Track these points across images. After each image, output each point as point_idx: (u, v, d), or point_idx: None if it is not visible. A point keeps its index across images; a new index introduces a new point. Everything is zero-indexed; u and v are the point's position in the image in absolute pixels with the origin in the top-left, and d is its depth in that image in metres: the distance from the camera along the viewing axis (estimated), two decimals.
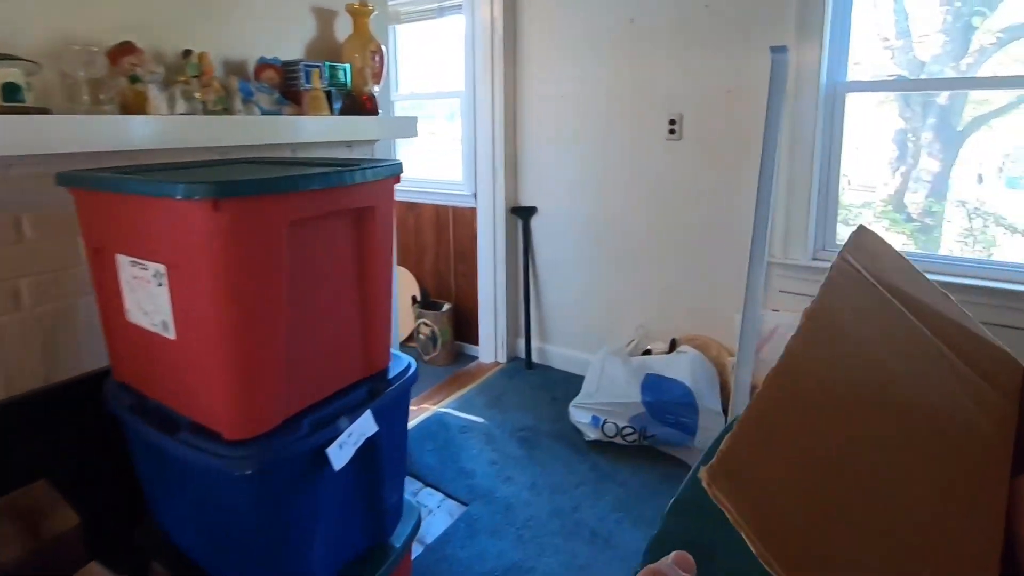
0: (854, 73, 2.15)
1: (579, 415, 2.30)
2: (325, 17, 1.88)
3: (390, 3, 3.21)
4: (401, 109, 3.49)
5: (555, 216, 2.89)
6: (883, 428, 0.56)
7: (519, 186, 2.98)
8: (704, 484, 0.38)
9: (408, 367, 1.37)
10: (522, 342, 3.05)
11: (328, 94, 1.74)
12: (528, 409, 2.57)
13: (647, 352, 2.49)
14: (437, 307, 3.26)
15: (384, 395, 1.24)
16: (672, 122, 2.45)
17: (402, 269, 3.52)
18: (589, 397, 2.32)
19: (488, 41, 2.81)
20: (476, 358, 3.20)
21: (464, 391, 2.77)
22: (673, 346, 2.45)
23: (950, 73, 2.08)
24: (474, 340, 3.22)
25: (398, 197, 3.56)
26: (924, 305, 0.77)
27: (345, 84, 1.83)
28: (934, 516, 0.52)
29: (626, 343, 2.56)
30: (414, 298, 3.35)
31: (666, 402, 2.13)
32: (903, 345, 0.69)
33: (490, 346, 3.13)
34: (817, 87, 2.12)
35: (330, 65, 1.77)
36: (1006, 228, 2.14)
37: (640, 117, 2.53)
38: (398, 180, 1.24)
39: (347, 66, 1.83)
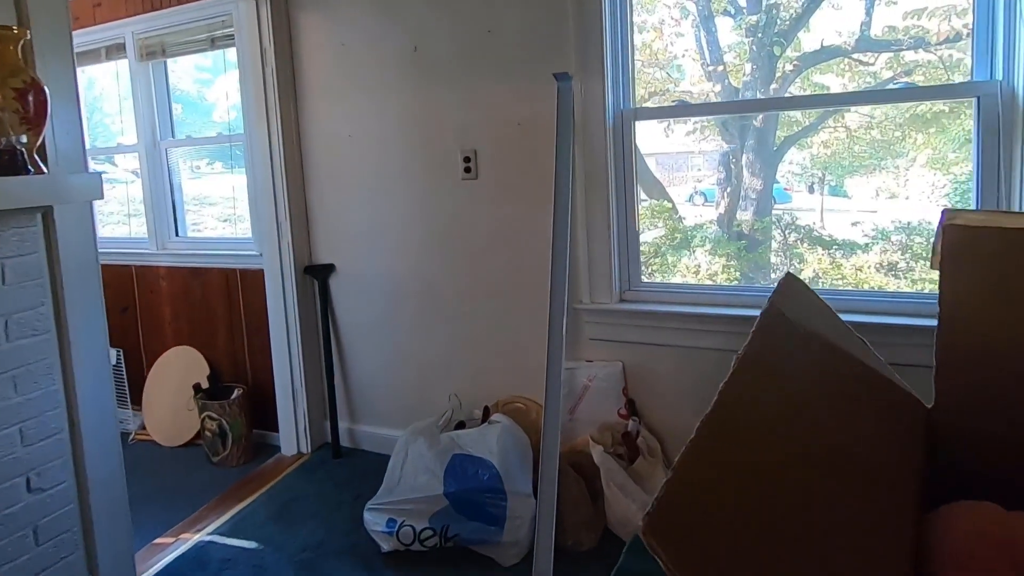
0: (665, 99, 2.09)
1: (374, 520, 1.88)
2: None
3: (150, 33, 2.75)
4: (179, 155, 2.97)
5: (355, 274, 2.52)
6: (809, 475, 0.62)
7: (313, 241, 2.58)
8: (640, 533, 0.43)
9: None
10: (330, 425, 2.60)
11: None
12: (321, 518, 2.11)
13: (460, 425, 2.16)
14: (225, 395, 2.71)
15: None
16: (467, 159, 2.21)
17: (189, 350, 2.94)
18: (388, 494, 1.92)
19: (259, 74, 2.43)
20: (281, 449, 2.68)
21: (244, 504, 2.24)
22: (486, 415, 2.14)
23: (761, 97, 2.12)
24: (277, 428, 2.71)
25: (181, 262, 3.04)
26: (843, 350, 0.83)
27: None
28: (850, 560, 0.58)
29: (440, 416, 2.22)
30: (197, 386, 2.77)
31: (471, 490, 1.79)
32: (826, 388, 0.74)
33: (291, 434, 2.63)
34: (604, 116, 1.98)
35: None
36: (815, 243, 2.24)
37: (434, 155, 2.26)
38: None
39: None
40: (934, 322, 0.86)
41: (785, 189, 2.31)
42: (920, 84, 1.88)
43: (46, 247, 1.56)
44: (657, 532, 0.43)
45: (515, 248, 2.18)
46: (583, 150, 2.01)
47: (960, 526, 0.71)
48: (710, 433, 0.56)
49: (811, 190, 2.32)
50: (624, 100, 2.02)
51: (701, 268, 2.40)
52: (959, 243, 0.86)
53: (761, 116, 2.17)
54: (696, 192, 2.52)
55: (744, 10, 2.12)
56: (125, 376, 3.06)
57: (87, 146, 3.20)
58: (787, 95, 2.09)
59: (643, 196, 2.31)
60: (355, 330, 2.55)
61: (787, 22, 2.07)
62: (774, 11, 2.07)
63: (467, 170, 2.21)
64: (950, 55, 1.85)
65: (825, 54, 2.04)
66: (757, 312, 1.77)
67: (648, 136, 2.22)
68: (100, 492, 1.70)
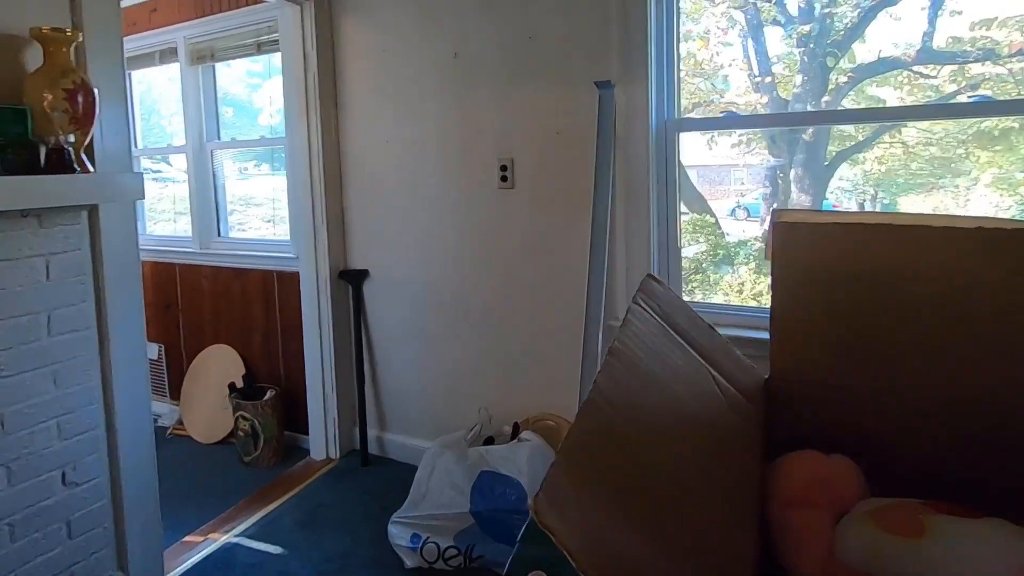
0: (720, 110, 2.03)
1: (398, 534, 1.88)
2: (4, 45, 1.47)
3: (200, 37, 2.85)
4: (226, 156, 3.07)
5: (389, 280, 2.53)
6: (675, 444, 0.76)
7: (348, 246, 2.61)
8: (532, 514, 0.48)
9: None
10: (359, 432, 2.62)
11: None
12: (347, 528, 2.11)
13: (489, 440, 2.13)
14: (259, 395, 2.77)
15: None
16: (504, 168, 2.19)
17: (227, 348, 3.02)
18: (413, 508, 1.91)
19: (301, 78, 2.49)
20: (310, 453, 2.72)
21: (272, 507, 2.27)
22: (516, 432, 2.11)
23: (812, 110, 2.04)
24: (307, 431, 2.75)
25: (223, 262, 3.13)
26: (696, 338, 0.97)
27: (23, 133, 1.41)
28: (711, 507, 0.72)
29: (469, 428, 2.20)
30: (232, 386, 2.84)
31: (498, 510, 1.76)
32: (682, 371, 0.88)
33: (321, 439, 2.66)
34: (647, 126, 1.93)
35: None
36: None
37: (471, 163, 2.26)
38: None
39: (25, 109, 1.42)
40: None
41: (835, 206, 2.21)
42: (996, 98, 1.76)
43: (90, 245, 1.62)
44: (546, 510, 0.48)
45: (550, 260, 2.15)
46: (624, 161, 1.96)
47: (791, 471, 0.92)
48: (588, 414, 0.64)
49: (862, 207, 2.22)
50: (668, 110, 1.96)
51: (745, 287, 2.32)
52: (783, 237, 1.03)
53: (811, 129, 2.09)
54: (739, 206, 2.46)
55: (796, 19, 2.05)
56: (165, 371, 3.18)
57: (141, 146, 3.38)
58: (840, 108, 2.00)
59: (684, 210, 2.23)
60: (387, 337, 2.57)
61: (841, 32, 1.98)
62: (828, 20, 1.99)
63: (503, 179, 2.19)
64: (1021, 68, 1.73)
65: (882, 66, 1.95)
66: None
67: (690, 148, 2.16)
68: (132, 489, 1.75)
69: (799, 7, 2.03)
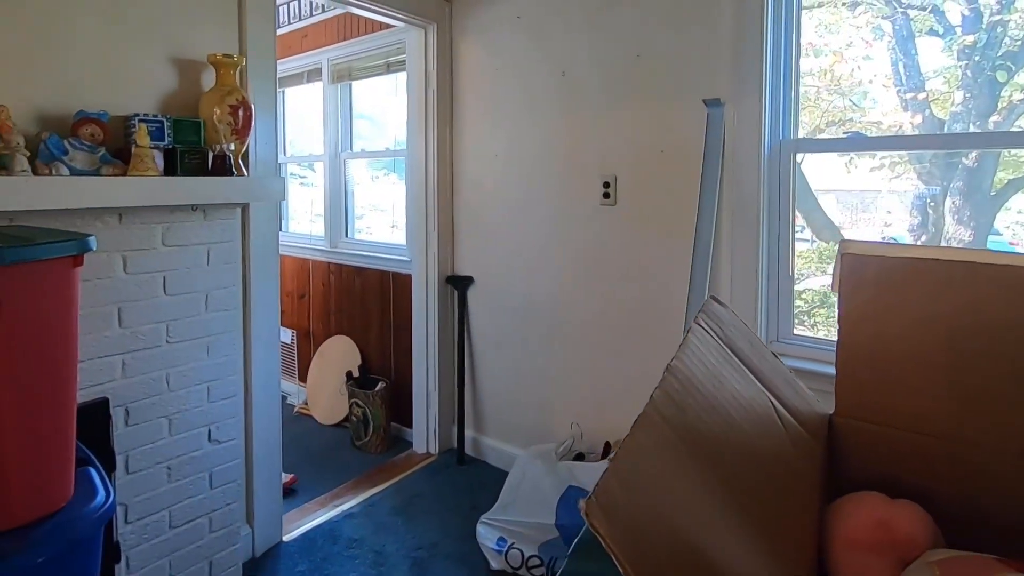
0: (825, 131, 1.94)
1: (486, 535, 1.99)
2: (189, 68, 1.81)
3: (340, 59, 3.23)
4: (358, 165, 3.43)
5: (491, 288, 2.69)
6: (730, 470, 0.72)
7: (457, 253, 2.81)
8: (582, 515, 0.50)
9: (92, 507, 1.05)
10: (456, 431, 2.79)
11: (171, 151, 1.64)
12: (438, 519, 2.27)
13: (579, 456, 2.20)
14: (371, 385, 3.05)
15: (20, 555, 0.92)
16: (606, 185, 2.26)
17: (347, 339, 3.35)
18: (502, 511, 2.02)
19: (422, 95, 2.74)
20: (412, 445, 2.94)
21: (376, 491, 2.49)
22: (607, 451, 2.16)
23: (975, 131, 1.85)
24: (411, 424, 2.98)
25: (348, 261, 3.49)
26: (757, 365, 0.95)
27: (197, 141, 1.73)
28: (767, 544, 0.68)
29: (560, 442, 2.28)
30: (349, 374, 3.15)
31: (581, 527, 1.82)
32: (741, 397, 0.86)
33: (423, 434, 2.87)
34: (759, 146, 1.91)
35: (174, 120, 1.67)
36: None
37: (574, 179, 2.36)
38: (79, 263, 1.02)
39: (200, 121, 1.74)
40: None
41: (1010, 243, 1.98)
42: None
43: (241, 237, 1.92)
44: (595, 512, 0.49)
45: (650, 280, 2.17)
46: (732, 182, 1.95)
47: (853, 513, 0.89)
48: (642, 426, 0.66)
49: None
50: (784, 130, 1.92)
51: None
52: (850, 269, 1.02)
53: (975, 154, 1.87)
54: (885, 237, 2.24)
55: (958, 29, 1.87)
56: (296, 354, 3.58)
57: (288, 155, 3.86)
58: (1014, 130, 1.78)
59: (810, 237, 2.17)
60: (486, 343, 2.72)
61: (1017, 42, 1.78)
62: (999, 29, 1.79)
63: (606, 195, 2.26)
64: None
65: None
66: None
67: (826, 171, 2.07)
68: (262, 454, 2.03)
69: (963, 15, 1.86)
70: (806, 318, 2.15)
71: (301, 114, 3.91)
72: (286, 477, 2.39)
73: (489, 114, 2.60)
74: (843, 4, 1.98)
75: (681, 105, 2.04)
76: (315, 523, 2.26)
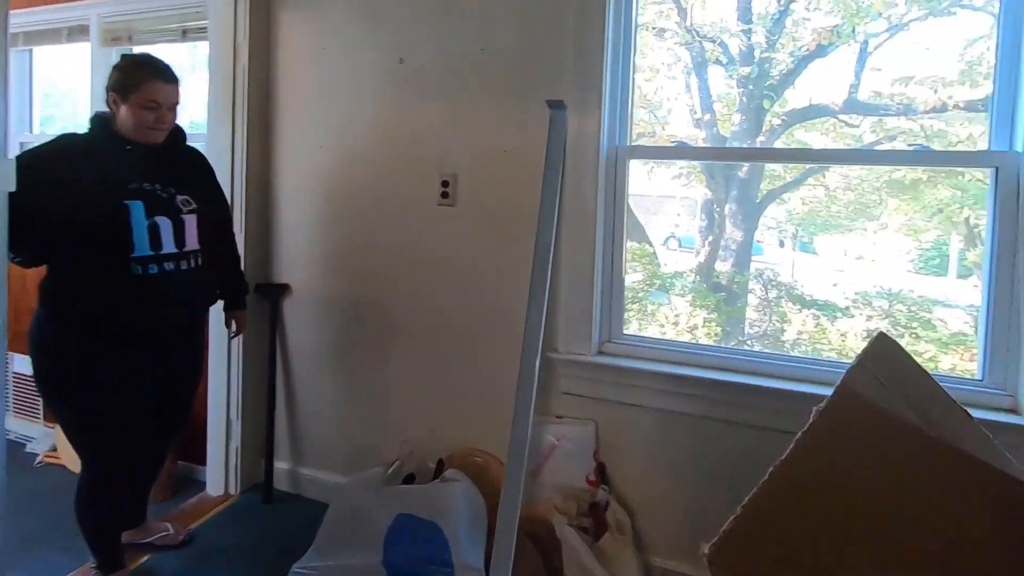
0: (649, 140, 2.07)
1: None
2: None
3: (116, 16, 2.67)
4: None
5: (313, 297, 2.39)
6: (868, 548, 0.66)
7: (273, 258, 2.46)
8: (704, 560, 0.52)
9: None
10: (265, 464, 2.42)
11: None
12: None
13: (410, 478, 2.01)
14: None
15: None
16: (445, 184, 2.13)
17: None
18: (318, 555, 1.76)
19: (228, 72, 2.36)
20: (206, 486, 2.49)
21: (156, 552, 2.05)
22: (440, 469, 2.00)
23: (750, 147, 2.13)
24: (205, 462, 2.52)
25: None
26: (938, 420, 0.82)
27: None
28: None
29: (388, 466, 2.07)
30: None
31: (413, 559, 1.64)
32: (913, 459, 0.74)
33: (220, 472, 2.44)
34: (597, 151, 1.93)
35: None
36: (795, 301, 2.32)
37: (411, 177, 2.19)
38: None
39: None
40: None
41: (758, 241, 2.40)
42: (936, 149, 1.89)
43: None
44: (718, 562, 0.51)
45: (489, 285, 2.09)
46: (572, 186, 1.95)
47: None
48: (783, 473, 0.63)
49: (781, 244, 2.43)
50: (620, 136, 1.97)
51: (681, 320, 2.37)
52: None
53: (747, 167, 2.21)
54: (672, 237, 2.55)
55: (737, 61, 2.17)
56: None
57: (37, 132, 3.11)
58: (779, 147, 2.11)
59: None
60: (307, 359, 2.42)
61: (777, 77, 2.12)
62: (766, 64, 2.12)
63: (444, 195, 2.13)
64: (931, 124, 1.90)
65: (812, 112, 2.10)
66: (742, 379, 1.73)
67: (631, 178, 2.22)
68: None
69: (740, 50, 2.15)
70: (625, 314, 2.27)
71: (55, 81, 3.19)
72: None
73: (315, 100, 2.33)
74: (653, 29, 2.18)
75: (525, 105, 1.99)
76: None
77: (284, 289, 2.43)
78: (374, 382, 2.29)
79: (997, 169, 1.62)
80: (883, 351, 0.88)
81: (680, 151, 2.14)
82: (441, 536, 1.67)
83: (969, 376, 1.74)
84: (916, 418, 0.79)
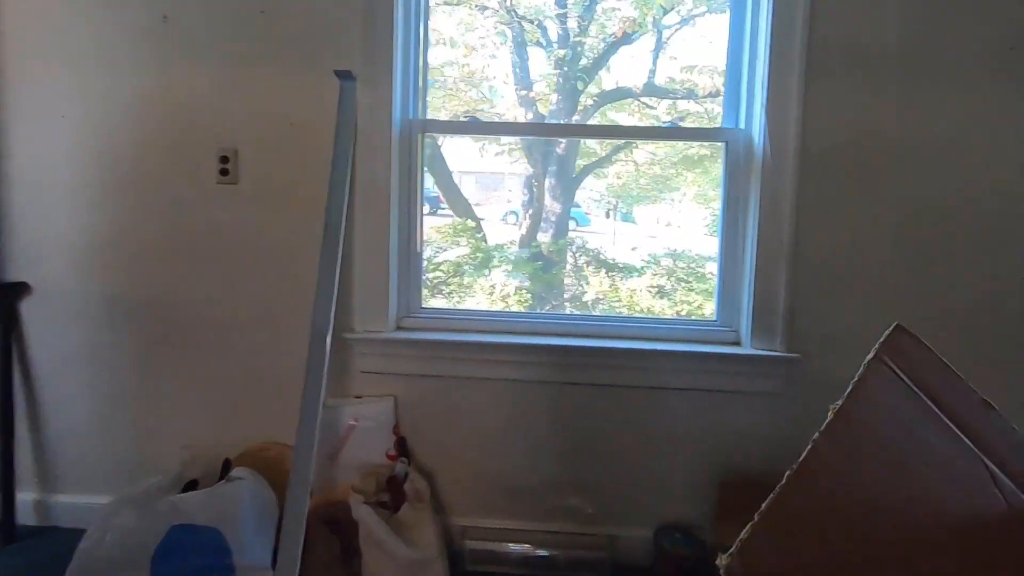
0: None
1: None
2: None
3: None
4: None
5: (61, 295, 2.02)
6: (891, 546, 0.64)
7: (7, 253, 2.04)
8: (721, 569, 0.51)
9: None
10: (2, 498, 2.00)
11: None
12: None
13: (192, 484, 1.79)
14: None
15: None
16: (224, 159, 1.95)
17: None
18: None
19: None
20: None
21: None
22: (226, 469, 1.82)
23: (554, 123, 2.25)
24: None
25: None
26: (965, 416, 0.78)
27: None
28: None
29: (165, 475, 1.82)
30: None
31: (186, 571, 1.45)
32: (940, 457, 0.74)
33: None
34: (390, 125, 1.90)
35: None
36: (601, 265, 2.52)
37: (182, 151, 1.96)
38: None
39: None
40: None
41: (586, 214, 2.59)
42: (684, 126, 2.21)
43: None
44: (737, 572, 0.51)
45: (279, 268, 1.95)
46: (365, 160, 1.89)
47: None
48: (801, 478, 0.60)
49: (608, 215, 2.63)
50: (413, 110, 1.97)
51: (496, 289, 2.47)
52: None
53: (564, 143, 2.36)
54: (509, 212, 2.66)
55: (554, 44, 2.32)
56: None
57: None
58: (566, 123, 2.29)
59: (451, 213, 2.43)
60: (55, 369, 2.04)
61: (590, 60, 2.30)
62: (579, 48, 2.28)
63: (224, 172, 1.95)
64: (710, 108, 2.22)
65: (619, 94, 2.32)
66: (547, 340, 1.84)
67: (466, 155, 2.37)
68: None
69: (558, 33, 2.29)
70: (444, 287, 2.36)
71: None
72: None
73: (55, 59, 1.98)
74: (476, 6, 2.23)
75: (313, 74, 1.89)
76: None
77: (21, 288, 2.03)
78: (146, 386, 2.01)
79: (727, 143, 1.94)
80: (900, 344, 0.84)
81: (475, 126, 2.19)
82: (221, 541, 1.50)
83: (708, 318, 2.06)
84: (937, 412, 0.77)
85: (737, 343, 1.92)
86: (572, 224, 2.58)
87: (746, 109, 1.89)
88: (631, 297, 2.48)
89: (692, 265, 2.44)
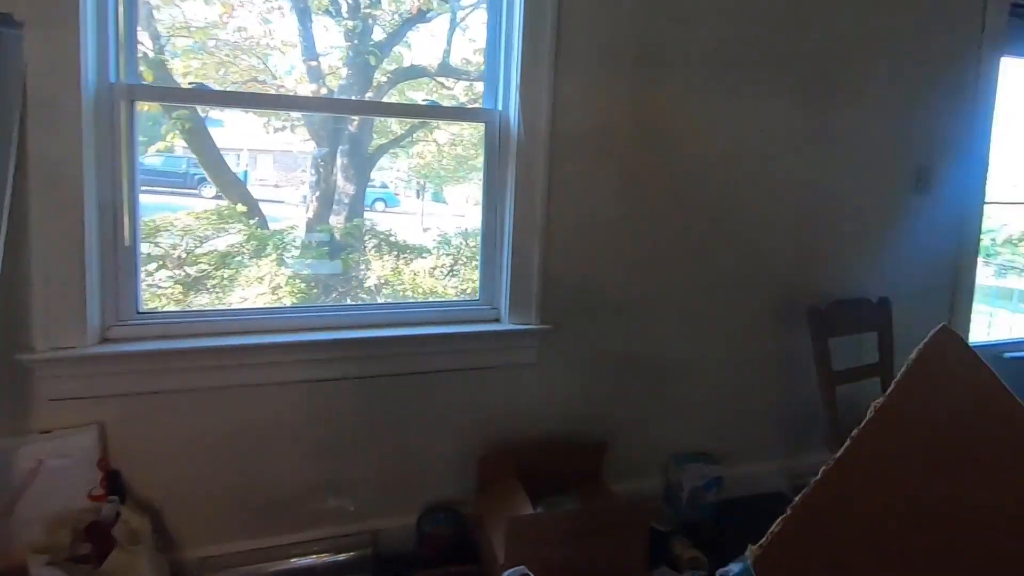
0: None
1: None
2: None
3: None
4: None
5: None
6: (928, 544, 0.64)
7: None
8: (750, 561, 0.50)
9: None
10: None
11: None
12: None
13: None
14: None
15: None
16: None
17: None
18: None
19: None
20: None
21: None
22: None
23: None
24: None
25: None
26: (1013, 419, 0.78)
27: None
28: None
29: None
30: None
31: None
32: (982, 456, 0.73)
33: None
34: (78, 88, 1.50)
35: None
36: (392, 248, 2.46)
37: None
38: None
39: None
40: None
41: (395, 194, 2.59)
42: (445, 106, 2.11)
43: None
44: (764, 564, 0.51)
45: None
46: (42, 133, 1.48)
47: None
48: (836, 473, 0.61)
49: (418, 196, 2.64)
50: (114, 72, 1.59)
51: (265, 280, 2.23)
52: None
53: (357, 121, 2.24)
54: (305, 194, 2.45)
55: (344, 13, 2.11)
56: None
57: None
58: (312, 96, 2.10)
59: (219, 195, 2.22)
60: None
61: (384, 35, 2.14)
62: (370, 20, 2.12)
63: None
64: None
65: (414, 72, 2.19)
66: (301, 337, 1.69)
67: (253, 131, 2.23)
68: None
69: (347, 3, 2.09)
70: (207, 282, 2.16)
71: None
72: None
73: None
74: None
75: None
76: None
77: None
78: None
79: (487, 124, 1.92)
80: (943, 346, 0.81)
81: (200, 94, 1.81)
82: None
83: (471, 297, 2.06)
84: (975, 422, 0.76)
85: (498, 319, 1.97)
86: (381, 206, 2.55)
87: (503, 92, 1.88)
88: (414, 279, 2.40)
89: (477, 244, 2.46)
